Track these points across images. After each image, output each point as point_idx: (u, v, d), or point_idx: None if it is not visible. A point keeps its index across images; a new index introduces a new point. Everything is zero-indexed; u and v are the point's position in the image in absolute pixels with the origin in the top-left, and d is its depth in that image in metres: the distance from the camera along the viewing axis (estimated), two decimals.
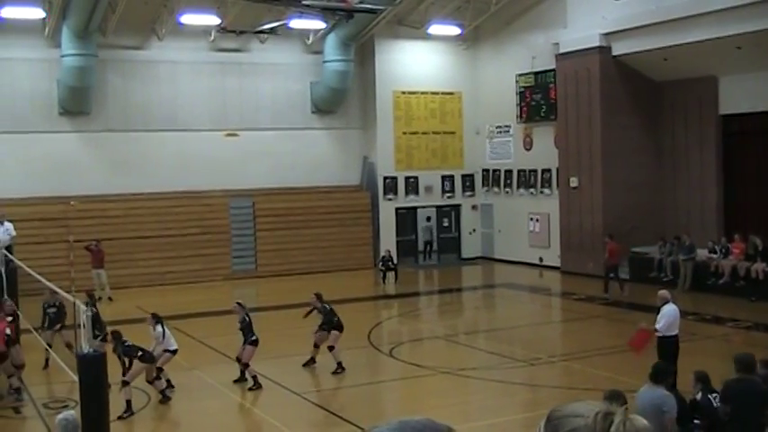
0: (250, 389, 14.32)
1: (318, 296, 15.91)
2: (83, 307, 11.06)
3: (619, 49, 25.63)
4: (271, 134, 29.36)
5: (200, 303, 23.35)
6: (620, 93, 25.98)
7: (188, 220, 27.54)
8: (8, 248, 19.14)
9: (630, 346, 13.50)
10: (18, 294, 18.46)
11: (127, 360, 13.09)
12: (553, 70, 27.81)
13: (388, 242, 29.69)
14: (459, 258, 31.95)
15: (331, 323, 15.39)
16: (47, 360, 15.70)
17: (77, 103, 26.59)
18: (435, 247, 31.92)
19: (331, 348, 15.30)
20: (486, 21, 30.37)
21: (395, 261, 27.21)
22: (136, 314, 22.07)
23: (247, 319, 14.67)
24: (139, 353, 13.14)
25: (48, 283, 15.35)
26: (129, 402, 12.81)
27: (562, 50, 27.05)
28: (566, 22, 27.27)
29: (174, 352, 14.05)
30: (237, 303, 15.01)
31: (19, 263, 18.68)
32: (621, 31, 25.16)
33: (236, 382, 14.68)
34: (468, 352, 17.91)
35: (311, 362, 15.68)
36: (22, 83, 26.05)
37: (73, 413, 8.99)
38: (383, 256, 27.14)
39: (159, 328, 13.89)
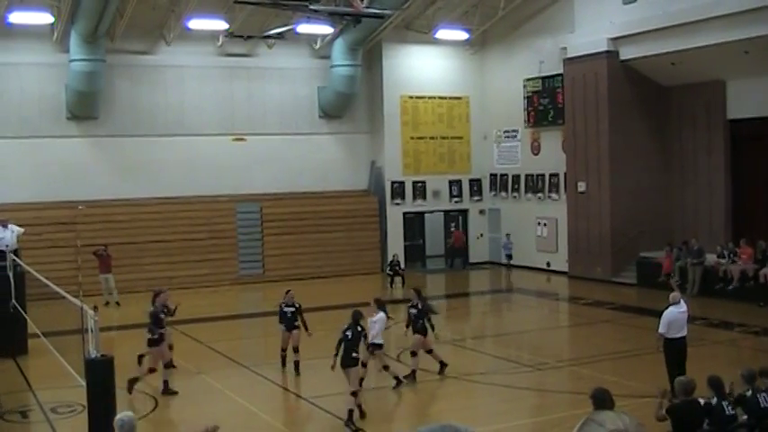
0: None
1: (417, 291, 16.39)
2: (90, 312, 11.03)
3: (626, 53, 25.58)
4: (278, 139, 29.40)
5: (206, 308, 23.36)
6: (628, 97, 25.93)
7: (195, 224, 27.58)
8: (15, 252, 19.12)
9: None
10: (26, 299, 18.44)
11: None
12: (561, 75, 27.78)
13: (396, 247, 29.69)
14: (466, 263, 31.90)
15: (415, 325, 15.51)
16: None
17: (85, 107, 26.66)
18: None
19: (413, 354, 15.31)
20: (494, 25, 30.36)
21: (402, 266, 27.14)
22: (143, 319, 22.07)
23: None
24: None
25: (56, 288, 15.32)
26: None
27: (570, 55, 27.03)
28: (573, 27, 27.24)
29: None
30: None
31: (27, 267, 18.68)
32: (629, 35, 25.13)
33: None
34: (476, 356, 17.87)
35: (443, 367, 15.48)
36: (31, 87, 26.14)
37: (130, 414, 8.84)
38: (391, 261, 27.11)
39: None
